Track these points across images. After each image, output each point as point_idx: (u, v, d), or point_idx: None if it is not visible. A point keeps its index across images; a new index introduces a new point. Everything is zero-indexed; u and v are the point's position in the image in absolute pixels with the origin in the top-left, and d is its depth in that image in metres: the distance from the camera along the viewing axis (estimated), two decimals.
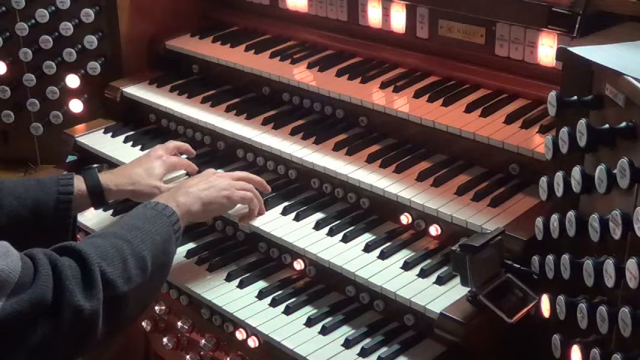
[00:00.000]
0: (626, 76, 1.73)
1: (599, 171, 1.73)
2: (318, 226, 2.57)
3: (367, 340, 2.29)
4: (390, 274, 2.35)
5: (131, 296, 1.99)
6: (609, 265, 1.72)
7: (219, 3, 3.60)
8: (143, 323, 2.84)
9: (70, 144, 3.25)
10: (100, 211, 2.95)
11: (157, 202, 2.31)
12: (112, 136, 3.24)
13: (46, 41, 3.37)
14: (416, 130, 2.70)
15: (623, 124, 1.74)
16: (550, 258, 1.97)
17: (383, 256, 2.42)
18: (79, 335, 1.87)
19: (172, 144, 2.84)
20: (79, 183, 2.50)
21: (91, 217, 2.93)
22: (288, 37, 3.33)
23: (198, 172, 2.86)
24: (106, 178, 2.58)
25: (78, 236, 2.88)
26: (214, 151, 3.07)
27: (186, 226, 2.38)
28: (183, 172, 2.85)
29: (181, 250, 2.71)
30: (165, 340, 2.78)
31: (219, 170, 2.70)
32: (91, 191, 2.53)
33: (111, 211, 2.96)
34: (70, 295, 1.84)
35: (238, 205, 2.61)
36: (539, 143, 2.42)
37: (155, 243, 2.13)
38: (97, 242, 2.02)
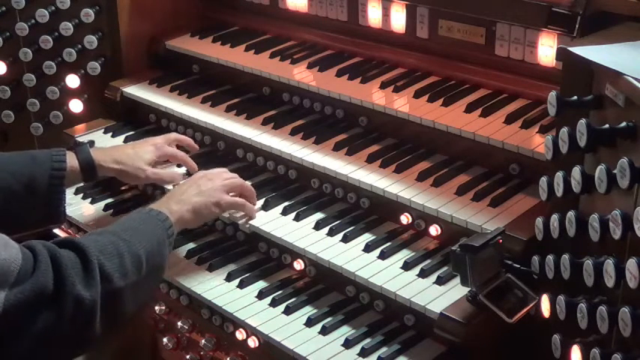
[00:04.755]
0: (626, 76, 1.73)
1: (599, 171, 1.73)
2: (318, 226, 2.57)
3: (367, 340, 2.29)
4: (390, 274, 2.35)
5: (127, 292, 2.02)
6: (609, 265, 1.72)
7: (219, 3, 3.60)
8: None
9: (70, 144, 3.24)
10: (100, 209, 2.96)
11: (150, 208, 2.36)
12: (112, 136, 3.24)
13: (46, 41, 3.36)
14: (416, 130, 2.70)
15: (623, 124, 1.74)
16: (550, 258, 1.97)
17: (383, 256, 2.42)
18: (79, 325, 1.90)
19: (173, 135, 2.90)
20: (71, 159, 2.55)
21: (89, 215, 2.94)
22: (288, 37, 3.32)
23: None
24: (97, 154, 2.64)
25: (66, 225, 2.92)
26: (214, 151, 3.07)
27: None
28: (183, 170, 2.86)
29: (181, 250, 2.72)
30: (165, 340, 2.78)
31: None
32: (83, 167, 2.59)
33: (111, 211, 2.96)
34: (70, 285, 1.87)
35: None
36: (539, 143, 2.42)
37: (151, 243, 2.18)
38: (95, 238, 2.07)
